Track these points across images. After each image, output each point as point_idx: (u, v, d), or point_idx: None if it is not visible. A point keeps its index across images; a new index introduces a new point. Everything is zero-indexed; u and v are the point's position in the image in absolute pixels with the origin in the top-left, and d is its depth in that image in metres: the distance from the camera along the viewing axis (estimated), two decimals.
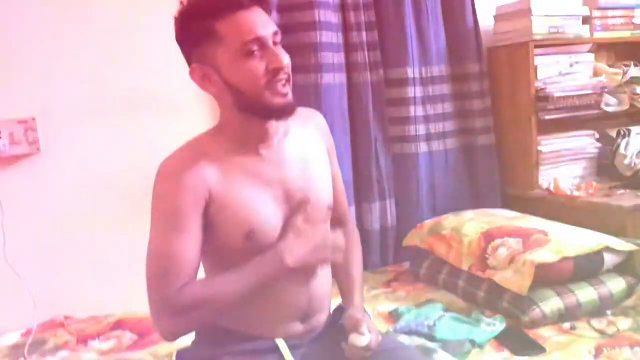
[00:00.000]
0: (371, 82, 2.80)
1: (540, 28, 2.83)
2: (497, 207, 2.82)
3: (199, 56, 1.33)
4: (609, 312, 2.09)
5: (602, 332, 1.97)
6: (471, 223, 2.47)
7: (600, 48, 3.16)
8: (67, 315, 2.40)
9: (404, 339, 1.97)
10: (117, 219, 2.48)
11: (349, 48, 2.76)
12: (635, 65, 3.08)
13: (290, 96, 1.35)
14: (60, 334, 2.27)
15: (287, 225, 1.40)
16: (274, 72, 1.31)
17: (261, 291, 1.34)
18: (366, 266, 2.13)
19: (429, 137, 2.92)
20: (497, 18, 3.04)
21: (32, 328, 2.28)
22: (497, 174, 3.02)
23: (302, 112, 1.49)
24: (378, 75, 2.82)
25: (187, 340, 1.49)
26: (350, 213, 2.53)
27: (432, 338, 1.99)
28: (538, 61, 2.84)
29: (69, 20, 2.40)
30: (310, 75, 2.65)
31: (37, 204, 2.42)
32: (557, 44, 2.90)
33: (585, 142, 3.00)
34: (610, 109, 2.99)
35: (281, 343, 1.46)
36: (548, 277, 2.09)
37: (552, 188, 2.82)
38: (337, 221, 1.61)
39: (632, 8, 3.11)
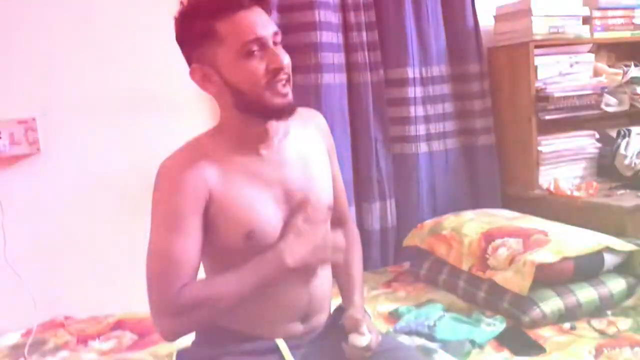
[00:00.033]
0: (371, 82, 2.80)
1: (540, 28, 2.83)
2: (497, 207, 2.82)
3: (199, 56, 1.33)
4: (609, 312, 2.09)
5: (602, 332, 1.97)
6: (471, 223, 2.47)
7: (600, 48, 3.15)
8: (67, 315, 2.40)
9: (404, 339, 1.97)
10: (117, 219, 2.48)
11: (349, 48, 2.76)
12: (635, 65, 3.09)
13: (290, 96, 1.35)
14: (60, 334, 2.27)
15: (287, 225, 1.40)
16: (274, 72, 1.31)
17: (261, 291, 1.34)
18: (366, 266, 2.13)
19: (429, 137, 2.92)
20: (497, 18, 3.04)
21: (32, 328, 2.28)
22: (497, 174, 3.02)
23: (302, 112, 1.49)
24: (378, 75, 2.82)
25: (187, 340, 1.49)
26: (350, 213, 2.53)
27: (432, 338, 1.99)
28: (538, 61, 2.84)
29: (69, 20, 2.40)
30: (310, 75, 2.65)
31: (37, 204, 2.42)
32: (557, 44, 2.90)
33: (585, 142, 3.00)
34: (610, 109, 2.99)
35: (281, 343, 1.46)
36: (548, 277, 2.09)
37: (552, 188, 2.82)
38: (337, 221, 1.61)
39: (632, 8, 3.11)
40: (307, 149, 1.49)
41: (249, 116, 1.36)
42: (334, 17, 2.69)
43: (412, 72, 2.85)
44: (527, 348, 1.91)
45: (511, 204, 2.87)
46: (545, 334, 1.99)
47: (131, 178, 2.41)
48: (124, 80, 2.48)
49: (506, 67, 2.97)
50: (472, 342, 1.94)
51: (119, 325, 2.33)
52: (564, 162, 2.95)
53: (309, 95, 2.63)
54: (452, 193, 2.97)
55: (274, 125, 1.40)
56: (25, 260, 2.35)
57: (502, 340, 1.97)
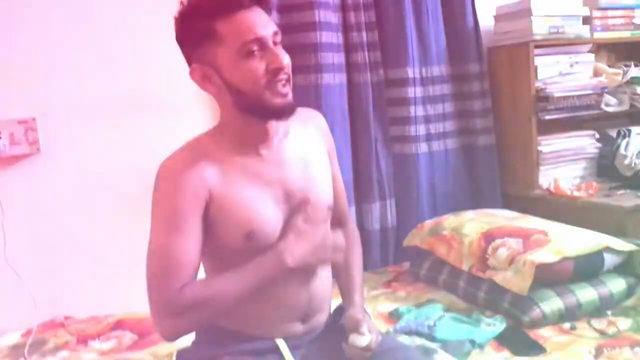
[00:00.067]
0: (371, 82, 2.80)
1: (540, 28, 2.83)
2: (497, 207, 2.82)
3: (198, 56, 1.33)
4: (609, 312, 2.09)
5: (602, 332, 1.97)
6: (471, 223, 2.47)
7: (600, 48, 3.16)
8: (67, 315, 2.40)
9: (404, 339, 1.97)
10: (117, 219, 2.48)
11: (349, 48, 2.76)
12: (635, 65, 3.09)
13: (290, 96, 1.35)
14: (60, 334, 2.27)
15: (287, 225, 1.40)
16: (274, 72, 1.31)
17: (261, 291, 1.34)
18: (366, 266, 2.13)
19: (429, 137, 2.92)
20: (497, 18, 3.04)
21: (32, 328, 2.28)
22: (497, 173, 3.02)
23: (302, 112, 1.50)
24: (378, 75, 2.82)
25: (187, 340, 1.49)
26: (350, 213, 2.53)
27: (432, 338, 1.99)
28: (538, 61, 2.85)
29: (69, 20, 2.40)
30: (310, 75, 2.65)
31: (37, 204, 2.42)
32: (557, 44, 2.90)
33: (585, 142, 3.00)
34: (610, 109, 2.99)
35: (281, 343, 1.46)
36: (548, 277, 2.09)
37: (552, 188, 2.82)
38: (337, 221, 1.61)
39: (632, 8, 3.11)
40: (307, 149, 1.49)
41: (249, 116, 1.36)
42: (333, 17, 2.69)
43: (412, 72, 2.85)
44: (527, 348, 1.91)
45: (511, 204, 2.87)
46: (545, 334, 1.99)
47: (131, 178, 2.41)
48: (124, 80, 2.48)
49: (506, 67, 2.97)
50: (472, 342, 1.94)
51: (119, 325, 2.33)
52: (564, 162, 2.95)
53: (309, 95, 2.64)
54: (452, 193, 2.98)
55: (274, 125, 1.40)
56: (25, 260, 2.35)
57: (502, 340, 1.97)
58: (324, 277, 1.51)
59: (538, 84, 2.85)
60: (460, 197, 2.96)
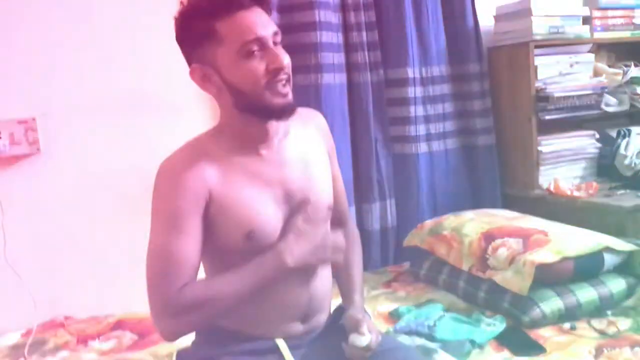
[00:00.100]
0: (371, 82, 2.80)
1: (540, 28, 2.83)
2: (497, 207, 2.82)
3: (198, 56, 1.33)
4: (609, 312, 2.09)
5: (602, 332, 1.97)
6: (471, 223, 2.47)
7: (600, 48, 3.16)
8: (67, 315, 2.40)
9: (404, 339, 1.97)
10: (117, 218, 2.48)
11: (349, 48, 2.76)
12: (635, 65, 3.09)
13: (290, 96, 1.35)
14: (60, 334, 2.27)
15: (287, 225, 1.40)
16: (274, 72, 1.31)
17: (261, 291, 1.34)
18: (366, 266, 2.13)
19: (429, 137, 2.92)
20: (497, 18, 3.04)
21: (32, 328, 2.28)
22: (497, 174, 3.02)
23: (302, 112, 1.50)
24: (378, 75, 2.82)
25: (187, 340, 1.49)
26: (350, 213, 2.53)
27: (432, 338, 1.99)
28: (538, 61, 2.85)
29: (69, 20, 2.40)
30: (310, 75, 2.65)
31: (37, 204, 2.42)
32: (557, 44, 2.90)
33: (585, 142, 3.00)
34: (610, 109, 2.99)
35: (281, 343, 1.46)
36: (548, 277, 2.09)
37: (552, 188, 2.82)
38: (337, 221, 1.61)
39: (632, 8, 3.11)
40: (307, 149, 1.49)
41: (248, 116, 1.36)
42: (334, 17, 2.69)
43: (412, 72, 2.85)
44: (527, 348, 1.91)
45: (511, 204, 2.87)
46: (545, 334, 1.99)
47: (131, 178, 2.41)
48: (124, 80, 2.48)
49: (506, 67, 2.97)
50: (472, 342, 1.94)
51: (119, 325, 2.33)
52: (564, 162, 2.95)
53: (309, 95, 2.64)
54: (452, 193, 2.98)
55: (274, 126, 1.40)
56: (25, 260, 2.35)
57: (502, 340, 1.97)
58: (324, 277, 1.51)
59: (538, 84, 2.85)
60: (460, 197, 2.96)
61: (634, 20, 3.11)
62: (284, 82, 1.33)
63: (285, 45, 1.38)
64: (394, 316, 2.22)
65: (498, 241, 2.27)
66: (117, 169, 2.48)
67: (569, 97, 2.85)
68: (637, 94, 3.04)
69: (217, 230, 1.36)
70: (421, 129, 2.89)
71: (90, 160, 2.47)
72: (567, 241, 2.19)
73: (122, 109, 2.47)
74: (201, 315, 1.33)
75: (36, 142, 2.37)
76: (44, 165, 2.41)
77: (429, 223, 2.65)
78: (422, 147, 2.90)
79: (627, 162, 2.91)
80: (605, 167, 3.00)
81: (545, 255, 2.10)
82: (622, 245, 2.19)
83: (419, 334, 2.03)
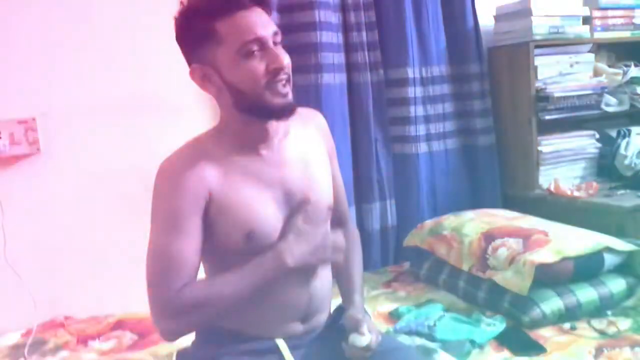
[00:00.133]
0: (371, 82, 2.80)
1: (540, 28, 2.84)
2: (497, 207, 2.82)
3: (199, 56, 1.33)
4: (609, 312, 2.09)
5: (602, 332, 1.97)
6: (471, 223, 2.47)
7: (600, 48, 3.16)
8: (67, 315, 2.40)
9: (404, 339, 1.97)
10: (117, 219, 2.48)
11: (349, 48, 2.76)
12: (636, 65, 3.09)
13: (290, 96, 1.35)
14: (60, 334, 2.27)
15: (287, 225, 1.40)
16: (273, 72, 1.31)
17: (261, 291, 1.34)
18: (366, 266, 2.12)
19: (429, 137, 2.92)
20: (497, 18, 3.04)
21: (32, 328, 2.28)
22: (497, 174, 3.02)
23: (302, 112, 1.50)
24: (378, 75, 2.82)
25: (187, 340, 1.49)
26: (350, 213, 2.53)
27: (432, 338, 1.99)
28: (538, 61, 2.85)
29: (69, 20, 2.40)
30: (311, 75, 2.65)
31: (37, 204, 2.41)
32: (557, 44, 2.90)
33: (585, 142, 3.00)
34: (610, 109, 2.99)
35: (281, 343, 1.46)
36: (548, 277, 2.09)
37: (552, 188, 2.82)
38: (337, 221, 1.61)
39: (632, 8, 3.11)
40: (307, 149, 1.49)
41: (248, 116, 1.36)
42: (334, 17, 2.69)
43: (412, 72, 2.85)
44: (527, 348, 1.91)
45: (511, 204, 2.87)
46: (545, 334, 1.99)
47: (131, 178, 2.41)
48: (124, 81, 2.48)
49: (506, 67, 2.98)
50: (472, 342, 1.94)
51: (119, 325, 2.33)
52: (564, 162, 2.95)
53: (309, 95, 2.63)
54: (452, 193, 2.98)
55: (274, 126, 1.40)
56: (25, 260, 2.35)
57: (502, 340, 1.97)
58: (324, 277, 1.51)
59: (538, 84, 2.85)
60: (460, 197, 2.96)
61: (634, 20, 3.11)
62: (284, 82, 1.33)
63: (286, 45, 1.38)
64: (394, 316, 2.22)
65: (498, 241, 2.27)
66: (117, 169, 2.48)
67: (569, 97, 2.85)
68: (637, 94, 3.04)
69: (217, 230, 1.36)
70: (421, 129, 2.89)
71: (90, 160, 2.47)
72: (567, 241, 2.19)
73: (122, 109, 2.47)
74: (201, 316, 1.33)
75: (36, 142, 2.37)
76: (43, 165, 2.41)
77: (429, 223, 2.65)
78: (422, 147, 2.90)
79: (627, 162, 2.91)
80: (606, 167, 3.00)
81: (545, 255, 2.10)
82: (622, 245, 2.19)
83: (419, 334, 2.03)
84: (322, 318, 1.55)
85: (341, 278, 1.63)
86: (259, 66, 1.30)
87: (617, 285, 2.15)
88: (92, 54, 2.43)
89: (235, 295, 1.32)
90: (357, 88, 2.78)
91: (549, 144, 2.90)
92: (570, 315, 2.06)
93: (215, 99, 1.40)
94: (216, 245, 1.38)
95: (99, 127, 2.46)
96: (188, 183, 1.33)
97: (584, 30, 2.96)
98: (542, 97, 2.83)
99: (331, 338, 1.50)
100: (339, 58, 2.72)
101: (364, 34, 2.76)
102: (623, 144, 2.96)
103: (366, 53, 2.77)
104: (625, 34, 3.11)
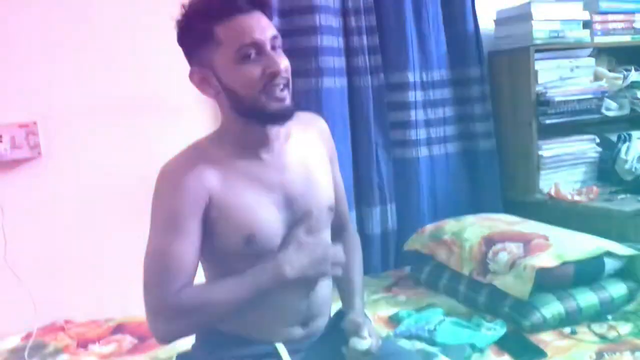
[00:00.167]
0: (372, 86, 2.80)
1: (540, 32, 2.83)
2: (497, 212, 2.82)
3: (198, 59, 1.34)
4: (609, 317, 2.09)
5: (602, 337, 1.97)
6: (472, 227, 2.47)
7: (601, 52, 3.16)
8: (67, 318, 2.40)
9: (405, 343, 1.97)
10: (118, 222, 2.48)
11: (349, 52, 2.76)
12: (636, 70, 3.09)
13: (287, 100, 1.35)
14: (60, 338, 2.27)
15: (288, 236, 1.40)
16: (270, 76, 1.31)
17: (259, 299, 1.34)
18: (367, 270, 2.12)
19: (429, 141, 2.92)
20: (498, 22, 3.05)
21: (32, 331, 2.28)
22: (498, 178, 3.02)
23: (304, 116, 1.50)
24: (379, 80, 2.82)
25: (186, 344, 1.49)
26: (351, 217, 2.53)
27: (432, 342, 1.99)
28: (538, 65, 2.85)
29: (69, 20, 2.40)
30: (311, 80, 2.65)
31: (38, 207, 2.41)
32: (557, 48, 2.91)
33: (586, 146, 3.00)
34: (610, 114, 2.99)
35: (281, 347, 1.46)
36: (549, 282, 2.09)
37: (552, 192, 2.82)
38: (337, 226, 1.61)
39: (632, 12, 3.11)
40: (308, 153, 1.49)
41: (248, 120, 1.36)
42: (334, 21, 2.69)
43: (412, 76, 2.85)
44: (527, 352, 1.91)
45: (512, 208, 2.87)
46: (546, 338, 1.99)
47: (132, 181, 2.40)
48: (124, 82, 2.48)
49: (507, 72, 2.98)
50: (473, 347, 1.94)
51: (119, 329, 2.33)
52: (565, 167, 2.95)
53: (310, 100, 2.63)
54: (453, 197, 2.97)
55: (274, 130, 1.40)
56: (26, 264, 2.35)
57: (503, 344, 1.97)
58: (324, 283, 1.50)
59: (538, 88, 2.85)
60: (460, 202, 2.96)
61: (634, 25, 3.11)
62: (281, 86, 1.33)
63: (286, 49, 1.38)
64: (394, 320, 2.22)
65: (498, 245, 2.27)
66: (117, 172, 2.48)
67: (569, 101, 2.85)
68: (638, 99, 3.04)
69: (217, 233, 1.36)
70: (422, 133, 2.89)
71: (91, 163, 2.47)
72: (568, 246, 2.19)
73: (122, 110, 2.47)
74: (197, 320, 1.33)
75: (37, 146, 2.37)
76: (45, 169, 2.41)
77: (429, 227, 2.64)
78: (423, 151, 2.90)
79: (627, 166, 2.91)
80: (606, 171, 3.00)
81: (545, 260, 2.10)
82: (623, 249, 2.19)
83: (419, 338, 2.02)
84: (322, 322, 1.54)
85: (341, 282, 1.63)
86: (255, 70, 1.30)
87: (617, 289, 2.15)
88: (92, 54, 2.43)
89: (232, 302, 1.32)
90: (358, 92, 2.78)
91: (550, 149, 2.90)
92: (570, 319, 2.05)
93: (216, 102, 1.40)
94: (216, 247, 1.38)
95: (99, 127, 2.46)
96: (188, 185, 1.33)
97: (585, 35, 2.96)
98: (543, 102, 2.83)
99: (331, 342, 1.50)
100: (339, 62, 2.72)
101: (364, 38, 2.76)
102: (623, 148, 2.96)
103: (367, 57, 2.77)
104: (626, 39, 3.10)
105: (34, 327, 2.29)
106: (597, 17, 3.03)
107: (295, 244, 1.36)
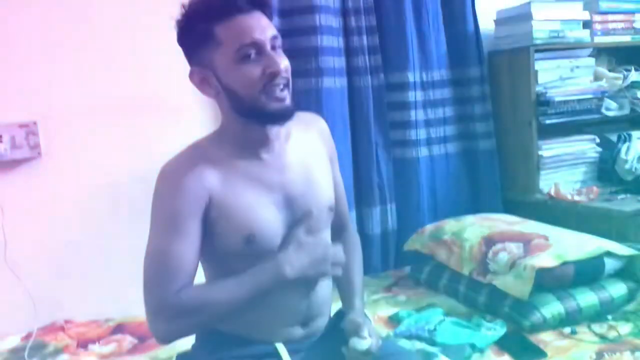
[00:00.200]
0: (372, 86, 2.80)
1: (540, 32, 2.83)
2: (497, 212, 2.82)
3: (198, 59, 1.34)
4: (609, 317, 2.09)
5: (602, 337, 1.97)
6: (472, 227, 2.47)
7: (601, 52, 3.16)
8: (67, 318, 2.40)
9: (405, 343, 1.97)
10: (118, 222, 2.48)
11: (349, 52, 2.76)
12: (636, 70, 3.09)
13: (287, 101, 1.35)
14: (60, 338, 2.27)
15: (288, 236, 1.40)
16: (270, 76, 1.31)
17: (259, 300, 1.34)
18: (367, 270, 2.12)
19: (429, 141, 2.92)
20: (498, 22, 3.04)
21: (32, 331, 2.28)
22: (498, 178, 3.02)
23: (304, 116, 1.50)
24: (379, 80, 2.82)
25: (186, 344, 1.49)
26: (351, 217, 2.53)
27: (432, 342, 1.99)
28: (538, 65, 2.85)
29: (69, 20, 2.40)
30: (311, 80, 2.65)
31: (38, 207, 2.41)
32: (557, 48, 2.91)
33: (586, 146, 3.00)
34: (610, 114, 2.99)
35: (281, 347, 1.46)
36: (549, 282, 2.09)
37: (552, 192, 2.82)
38: (337, 226, 1.61)
39: (632, 12, 3.11)
40: (308, 153, 1.50)
41: (248, 120, 1.36)
42: (334, 21, 2.69)
43: (412, 76, 2.85)
44: (527, 352, 1.91)
45: (512, 208, 2.87)
46: (546, 338, 1.99)
47: (132, 181, 2.41)
48: (125, 82, 2.48)
49: (506, 72, 2.98)
50: (473, 347, 1.94)
51: (119, 329, 2.33)
52: (565, 167, 2.95)
53: (310, 100, 2.63)
54: (453, 197, 2.97)
55: (274, 130, 1.40)
56: (26, 264, 2.35)
57: (503, 344, 1.97)
58: (324, 283, 1.50)
59: (538, 88, 2.85)
60: (460, 202, 2.96)
61: (634, 25, 3.11)
62: (281, 86, 1.33)
63: (286, 49, 1.39)
64: (394, 320, 2.22)
65: (498, 245, 2.27)
66: (118, 172, 2.48)
67: (569, 101, 2.85)
68: (638, 99, 3.04)
69: (217, 233, 1.36)
70: (422, 133, 2.89)
71: (91, 163, 2.47)
72: (568, 246, 2.19)
73: (122, 110, 2.47)
74: (196, 320, 1.33)
75: (37, 146, 2.37)
76: (45, 169, 2.41)
77: (429, 227, 2.64)
78: (423, 151, 2.90)
79: (627, 166, 2.91)
80: (606, 171, 2.99)
81: (545, 260, 2.10)
82: (623, 249, 2.19)
83: (419, 338, 2.02)
84: (322, 322, 1.54)
85: (341, 282, 1.63)
86: (255, 70, 1.30)
87: (617, 289, 2.15)
88: (92, 54, 2.43)
89: (232, 302, 1.32)
90: (358, 92, 2.78)
91: (550, 148, 2.90)
92: (570, 319, 2.05)
93: (216, 102, 1.40)
94: (216, 247, 1.38)
95: (99, 127, 2.46)
96: (188, 185, 1.33)
97: (585, 35, 2.96)
98: (543, 102, 2.83)
99: (331, 342, 1.50)
100: (339, 62, 2.72)
101: (364, 38, 2.76)
102: (623, 148, 2.96)
103: (367, 57, 2.77)
104: (626, 38, 3.10)
105: (34, 327, 2.28)
106: (597, 17, 3.03)
107: (295, 244, 1.36)
